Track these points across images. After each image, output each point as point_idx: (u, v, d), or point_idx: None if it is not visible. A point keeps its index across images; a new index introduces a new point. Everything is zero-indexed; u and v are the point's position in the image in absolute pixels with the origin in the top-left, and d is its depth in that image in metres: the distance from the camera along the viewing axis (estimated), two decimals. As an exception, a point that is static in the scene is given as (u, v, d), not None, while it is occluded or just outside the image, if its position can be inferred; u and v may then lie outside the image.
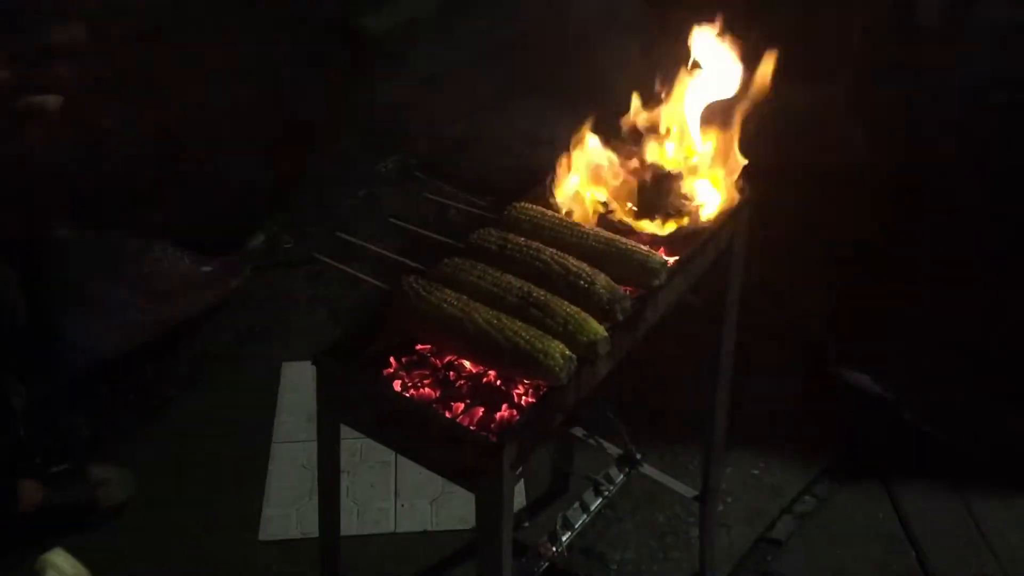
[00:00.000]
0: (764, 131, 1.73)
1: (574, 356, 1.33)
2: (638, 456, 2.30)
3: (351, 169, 3.77)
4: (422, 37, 4.20)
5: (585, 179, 1.70)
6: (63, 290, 2.76)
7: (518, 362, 1.33)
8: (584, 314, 1.38)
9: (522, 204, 1.64)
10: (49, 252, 2.74)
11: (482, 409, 1.40)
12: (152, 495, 2.53)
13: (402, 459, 2.61)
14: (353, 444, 2.63)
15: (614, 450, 2.31)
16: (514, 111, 4.25)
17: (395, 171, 3.84)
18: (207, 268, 2.87)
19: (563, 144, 1.72)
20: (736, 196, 1.69)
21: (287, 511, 2.50)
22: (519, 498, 2.51)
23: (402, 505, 2.52)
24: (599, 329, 1.37)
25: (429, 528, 2.47)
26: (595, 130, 1.72)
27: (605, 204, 1.68)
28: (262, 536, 2.45)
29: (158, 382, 2.91)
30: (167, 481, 2.58)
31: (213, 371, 2.98)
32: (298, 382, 2.90)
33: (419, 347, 1.51)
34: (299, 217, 3.42)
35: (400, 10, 4.06)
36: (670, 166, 1.72)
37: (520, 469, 1.38)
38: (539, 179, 1.75)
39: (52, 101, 1.06)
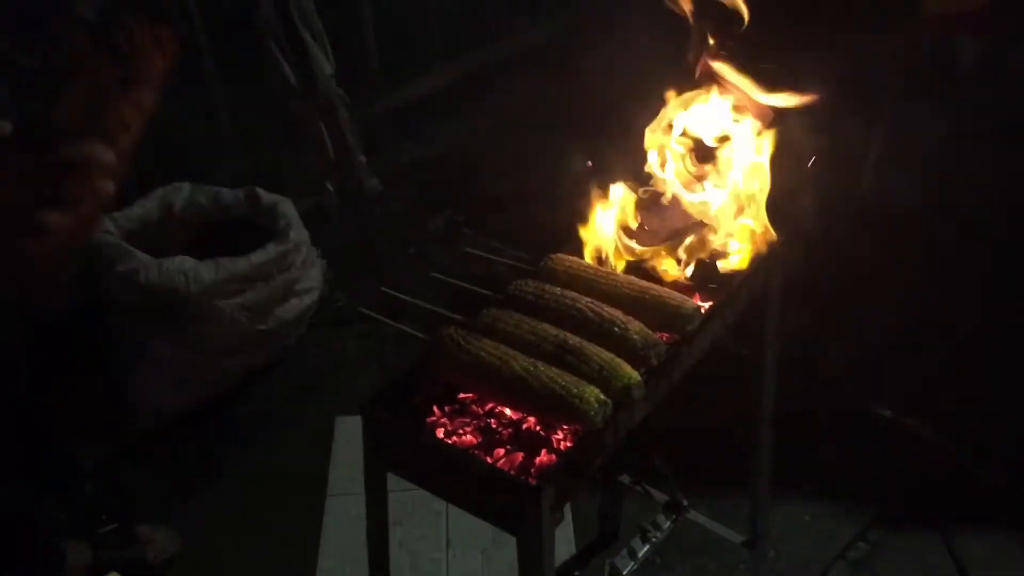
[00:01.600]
0: (803, 176, 1.78)
1: (609, 400, 1.38)
2: (685, 503, 2.31)
3: (400, 228, 3.87)
4: (462, 99, 4.33)
5: (615, 228, 1.75)
6: (129, 350, 2.88)
7: (554, 407, 1.38)
8: (618, 360, 1.42)
9: (558, 256, 1.70)
10: (115, 312, 2.86)
11: (522, 454, 1.45)
12: (209, 551, 2.61)
13: (453, 510, 2.66)
14: (404, 496, 2.65)
15: (661, 497, 2.33)
16: (558, 166, 4.34)
17: (443, 228, 3.94)
18: (263, 327, 2.96)
19: (593, 193, 1.79)
20: (769, 241, 1.74)
21: (342, 564, 2.55)
22: (568, 546, 2.53)
23: (453, 555, 2.55)
24: (633, 374, 1.41)
25: (480, 578, 2.50)
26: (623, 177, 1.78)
27: (636, 252, 1.73)
28: (318, 588, 2.50)
29: (217, 440, 3.01)
30: (224, 537, 2.66)
31: (269, 427, 3.06)
32: (351, 436, 2.96)
33: (461, 396, 1.56)
34: (350, 275, 3.52)
35: (438, 76, 4.19)
36: (702, 212, 1.77)
37: (562, 512, 1.41)
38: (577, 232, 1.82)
39: (62, 221, 1.02)
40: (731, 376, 2.05)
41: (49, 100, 1.03)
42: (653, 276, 1.69)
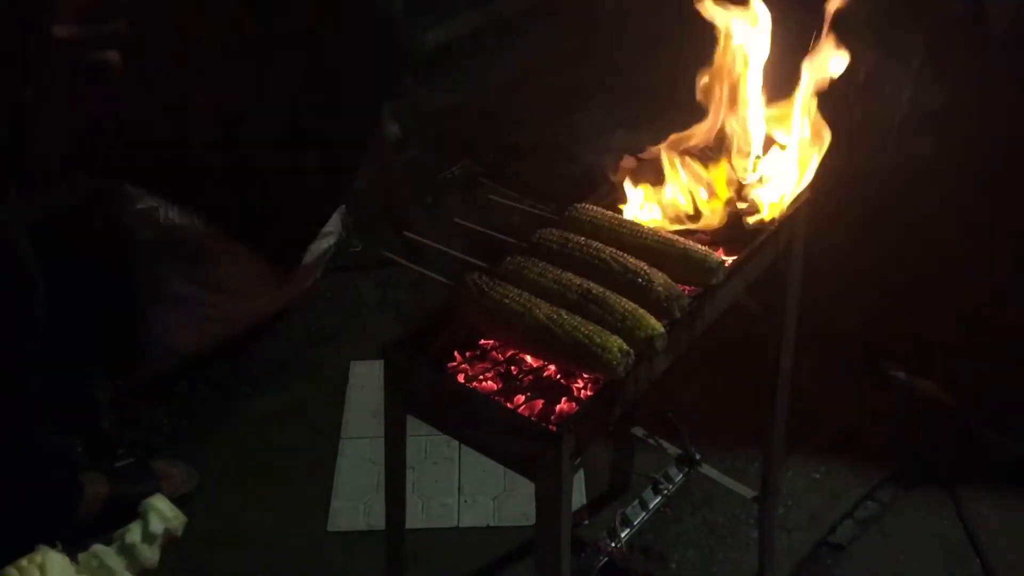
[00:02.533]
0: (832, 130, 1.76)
1: (631, 351, 1.37)
2: (698, 456, 2.32)
3: (418, 176, 3.86)
4: (485, 47, 4.29)
5: (649, 183, 1.74)
6: (146, 287, 2.90)
7: (577, 356, 1.38)
8: (642, 310, 1.42)
9: (583, 205, 1.69)
10: (134, 250, 2.87)
11: (542, 401, 1.46)
12: (225, 488, 2.64)
13: (466, 456, 2.68)
14: (419, 441, 2.71)
15: (674, 450, 2.35)
16: (580, 118, 4.32)
17: (461, 178, 3.93)
18: (281, 269, 2.97)
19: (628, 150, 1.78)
20: (797, 197, 1.72)
21: (355, 504, 2.58)
22: (579, 496, 2.55)
23: (465, 501, 2.58)
24: (656, 325, 1.41)
25: (491, 523, 2.52)
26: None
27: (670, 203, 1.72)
28: (330, 527, 2.53)
29: (233, 381, 3.03)
30: (240, 475, 2.69)
31: (285, 370, 3.08)
32: (366, 381, 2.98)
33: (482, 342, 1.57)
34: (367, 221, 3.52)
35: (461, 22, 4.14)
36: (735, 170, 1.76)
37: (579, 461, 1.42)
38: (601, 182, 1.81)
39: (113, 57, 1.16)
40: (751, 332, 2.05)
41: None
42: (680, 229, 1.68)
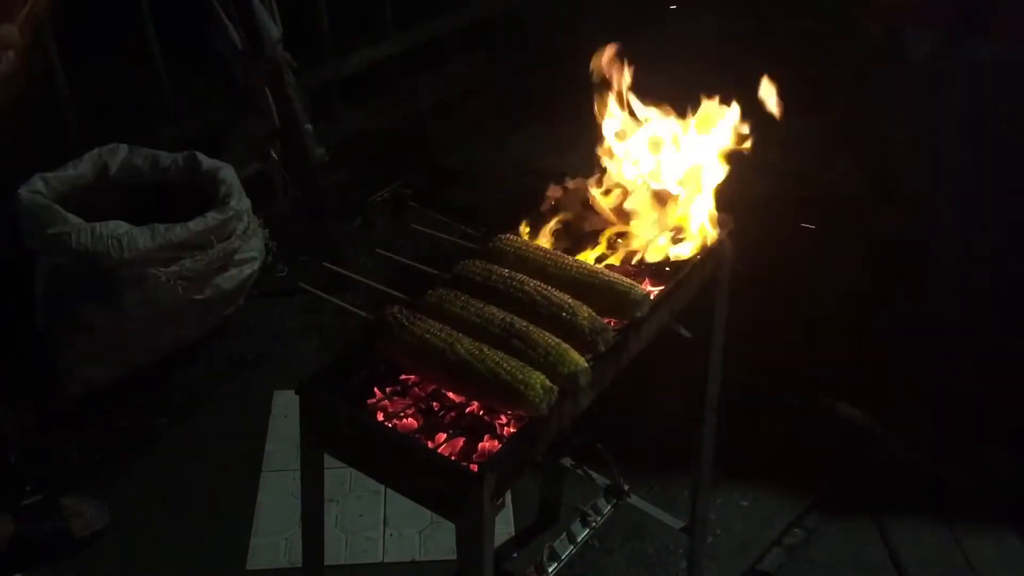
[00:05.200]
0: (755, 163, 1.76)
1: (555, 387, 1.34)
2: (626, 487, 2.30)
3: (346, 198, 3.79)
4: (416, 69, 4.25)
5: (570, 213, 1.72)
6: (58, 315, 2.78)
7: (499, 393, 1.35)
8: (565, 345, 1.39)
9: (507, 236, 1.66)
10: (44, 276, 2.75)
11: (463, 440, 1.42)
12: (140, 525, 2.53)
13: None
14: (342, 473, 2.63)
15: (602, 481, 2.32)
16: (509, 142, 4.30)
17: (390, 201, 3.87)
18: (200, 296, 2.87)
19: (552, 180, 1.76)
20: (721, 228, 1.72)
21: (276, 540, 2.49)
22: (507, 528, 2.51)
23: (391, 535, 2.52)
24: (580, 360, 1.38)
25: (417, 558, 2.46)
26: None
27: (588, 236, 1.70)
28: (249, 565, 2.44)
29: (150, 411, 2.92)
30: (156, 511, 2.58)
31: (205, 400, 2.98)
32: (289, 411, 2.90)
33: (403, 377, 1.52)
34: (292, 245, 3.44)
35: (392, 43, 4.10)
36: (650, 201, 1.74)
37: (502, 499, 1.38)
38: (526, 210, 1.78)
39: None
40: (676, 361, 2.03)
41: None
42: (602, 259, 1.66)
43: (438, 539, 2.49)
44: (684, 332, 1.88)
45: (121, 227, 2.72)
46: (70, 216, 2.72)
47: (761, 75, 1.70)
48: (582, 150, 1.90)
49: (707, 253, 1.71)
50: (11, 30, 1.10)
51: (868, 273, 3.29)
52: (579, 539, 2.23)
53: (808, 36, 3.65)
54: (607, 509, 2.29)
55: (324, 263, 1.77)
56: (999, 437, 2.75)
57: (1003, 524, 2.57)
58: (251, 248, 3.03)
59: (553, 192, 1.81)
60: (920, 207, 3.23)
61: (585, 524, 2.26)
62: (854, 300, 3.21)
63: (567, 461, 2.37)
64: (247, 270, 3.04)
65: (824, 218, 3.25)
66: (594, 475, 2.32)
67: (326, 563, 1.72)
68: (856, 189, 3.49)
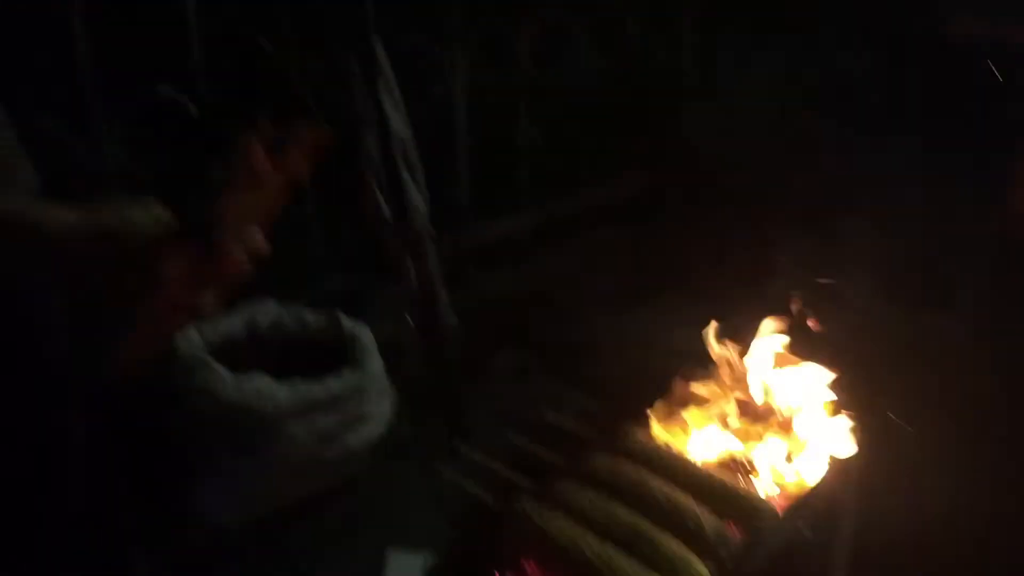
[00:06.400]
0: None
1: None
2: None
3: (474, 365, 3.89)
4: (546, 242, 4.41)
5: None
6: (196, 461, 2.91)
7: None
8: (689, 556, 1.41)
9: (634, 432, 1.71)
10: (187, 421, 2.90)
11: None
12: None
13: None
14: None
15: None
16: (636, 315, 4.36)
17: (515, 368, 3.95)
18: (331, 454, 2.98)
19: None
20: (848, 449, 1.73)
21: None
22: None
23: None
24: (704, 571, 1.39)
25: None
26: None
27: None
28: None
29: (266, 562, 2.98)
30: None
31: (320, 554, 3.03)
32: (402, 570, 2.92)
33: (525, 566, 1.55)
34: (420, 410, 3.54)
35: (534, 216, 4.29)
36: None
37: None
38: (647, 389, 1.84)
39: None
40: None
41: (212, 193, 1.10)
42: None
43: None
44: (806, 531, 1.85)
45: (265, 382, 2.87)
46: (219, 368, 2.89)
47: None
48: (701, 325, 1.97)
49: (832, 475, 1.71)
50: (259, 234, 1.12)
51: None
52: None
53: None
54: None
55: (453, 440, 1.84)
56: None
57: None
58: (382, 410, 3.14)
59: (680, 388, 1.86)
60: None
61: None
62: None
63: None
64: (376, 430, 3.14)
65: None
66: None
67: None
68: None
